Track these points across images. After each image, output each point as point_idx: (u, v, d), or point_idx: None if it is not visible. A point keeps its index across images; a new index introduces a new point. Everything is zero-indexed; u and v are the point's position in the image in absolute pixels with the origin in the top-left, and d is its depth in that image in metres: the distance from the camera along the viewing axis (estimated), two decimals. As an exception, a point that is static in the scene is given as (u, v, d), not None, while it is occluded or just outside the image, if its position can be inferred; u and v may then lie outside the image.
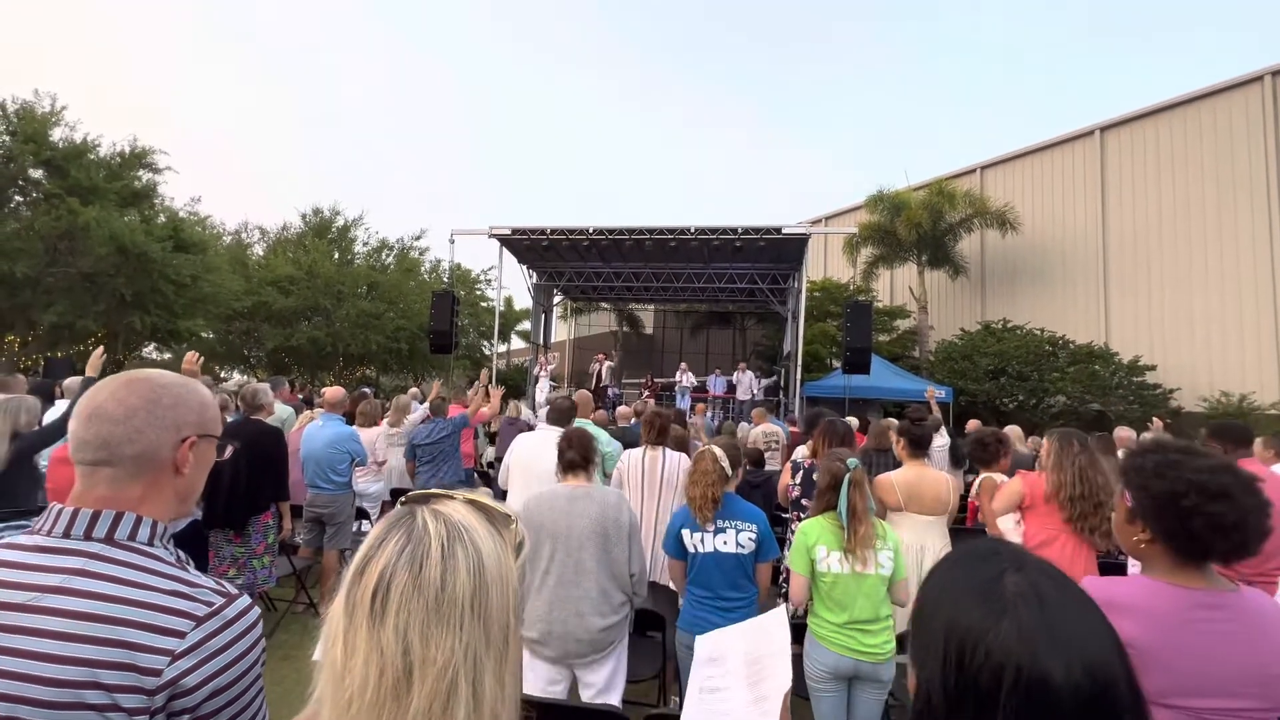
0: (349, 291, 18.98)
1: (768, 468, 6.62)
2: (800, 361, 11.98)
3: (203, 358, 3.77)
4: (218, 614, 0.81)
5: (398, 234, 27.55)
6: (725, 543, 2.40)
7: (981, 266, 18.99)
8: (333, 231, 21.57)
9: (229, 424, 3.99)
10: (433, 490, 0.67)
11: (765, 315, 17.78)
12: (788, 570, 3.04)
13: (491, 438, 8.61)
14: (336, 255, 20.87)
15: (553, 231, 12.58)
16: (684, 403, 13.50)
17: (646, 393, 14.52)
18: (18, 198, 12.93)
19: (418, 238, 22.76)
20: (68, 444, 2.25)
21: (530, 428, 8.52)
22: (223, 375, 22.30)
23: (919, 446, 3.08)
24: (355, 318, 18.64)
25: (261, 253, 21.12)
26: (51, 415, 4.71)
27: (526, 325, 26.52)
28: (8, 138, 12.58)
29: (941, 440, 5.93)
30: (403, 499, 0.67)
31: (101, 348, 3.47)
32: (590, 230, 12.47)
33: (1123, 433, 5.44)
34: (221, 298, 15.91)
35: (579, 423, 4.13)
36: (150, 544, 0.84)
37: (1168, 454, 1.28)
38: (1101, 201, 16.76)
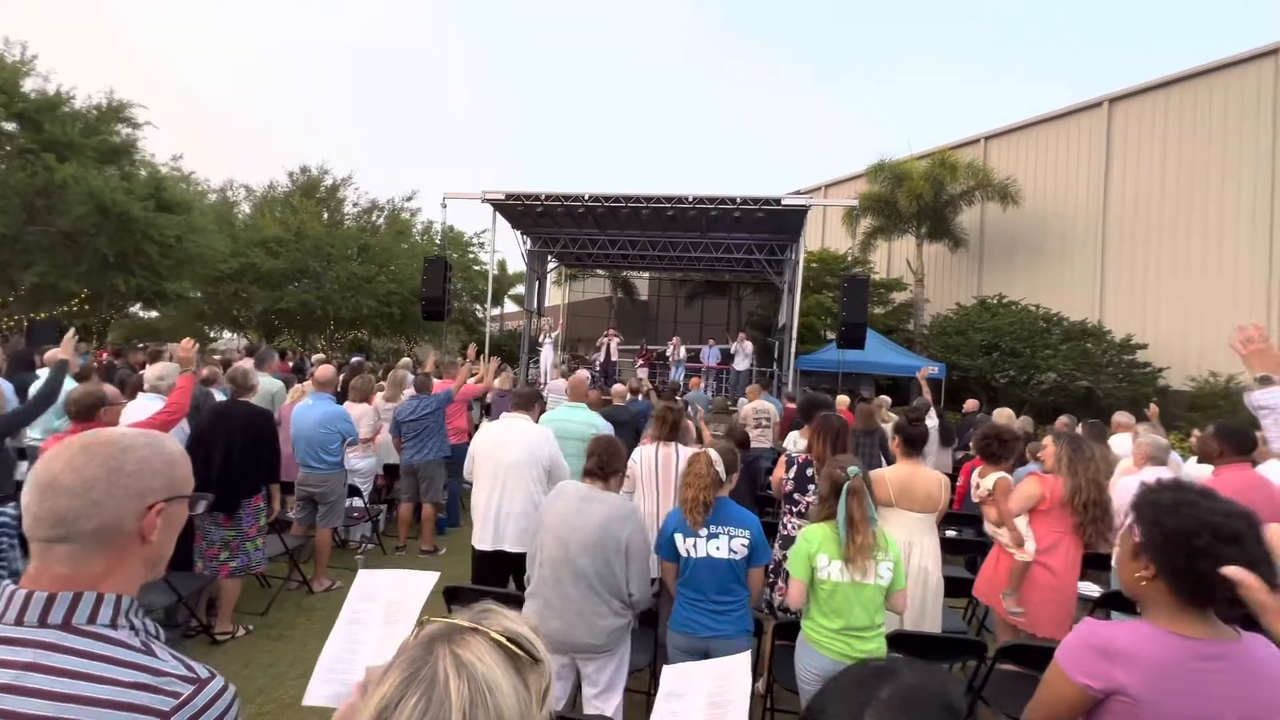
0: (339, 254, 18.62)
1: (755, 445, 6.67)
2: (795, 334, 11.94)
3: (197, 344, 3.66)
4: (186, 705, 0.75)
5: (388, 194, 26.94)
6: (718, 548, 2.39)
7: (980, 240, 18.81)
8: (321, 191, 21.04)
9: (218, 405, 3.92)
10: (458, 622, 0.60)
11: (761, 285, 17.65)
12: (778, 565, 3.07)
13: (486, 409, 8.58)
14: (326, 216, 20.41)
15: (547, 197, 12.28)
16: (678, 374, 13.49)
17: (641, 361, 14.49)
18: (-10, 152, 12.43)
19: (409, 199, 22.30)
20: (60, 434, 2.17)
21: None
22: (212, 335, 22.07)
23: (914, 445, 3.06)
24: (346, 280, 18.35)
25: (249, 211, 20.60)
26: (35, 387, 4.62)
27: (520, 289, 26.32)
28: (-23, 89, 12.01)
29: (931, 421, 5.96)
30: (422, 620, 0.63)
31: (73, 330, 3.35)
32: (586, 197, 12.19)
33: (1121, 418, 5.44)
34: (208, 259, 15.59)
35: (570, 408, 4.10)
36: (113, 626, 0.78)
37: (1186, 493, 1.25)
38: (1105, 176, 16.52)
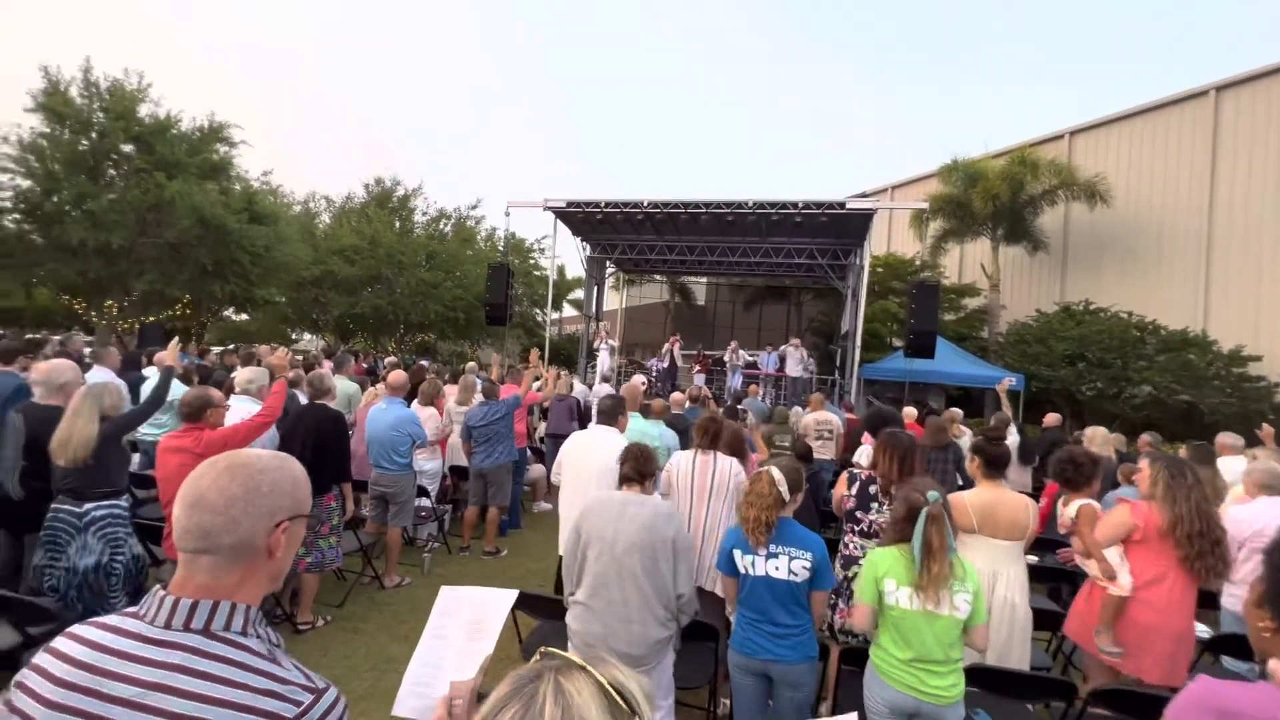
0: (409, 261, 19.53)
1: (816, 458, 6.46)
2: (859, 341, 11.53)
3: (289, 352, 3.91)
4: (307, 713, 0.83)
5: (455, 203, 28.09)
6: (777, 568, 2.31)
7: (1064, 242, 17.59)
8: (393, 201, 22.13)
9: (297, 409, 4.16)
10: (572, 658, 0.64)
11: (823, 291, 17.19)
12: (839, 585, 2.95)
13: (544, 413, 8.75)
14: (397, 225, 21.44)
15: (607, 205, 12.43)
16: (735, 380, 13.31)
17: (697, 367, 14.38)
18: (111, 172, 13.79)
19: (474, 207, 23.18)
20: (172, 433, 2.36)
21: (581, 404, 8.67)
22: (294, 337, 23.62)
23: (996, 467, 2.87)
24: (415, 287, 19.23)
25: (328, 222, 21.94)
26: (145, 387, 5.07)
27: (578, 294, 26.76)
28: (102, 115, 13.37)
29: (1011, 438, 5.58)
30: (542, 651, 0.67)
31: (177, 338, 3.65)
32: (645, 203, 12.26)
33: (1226, 439, 4.93)
34: (292, 266, 16.73)
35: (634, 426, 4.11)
36: (244, 633, 0.86)
37: None
38: (1211, 172, 15.09)
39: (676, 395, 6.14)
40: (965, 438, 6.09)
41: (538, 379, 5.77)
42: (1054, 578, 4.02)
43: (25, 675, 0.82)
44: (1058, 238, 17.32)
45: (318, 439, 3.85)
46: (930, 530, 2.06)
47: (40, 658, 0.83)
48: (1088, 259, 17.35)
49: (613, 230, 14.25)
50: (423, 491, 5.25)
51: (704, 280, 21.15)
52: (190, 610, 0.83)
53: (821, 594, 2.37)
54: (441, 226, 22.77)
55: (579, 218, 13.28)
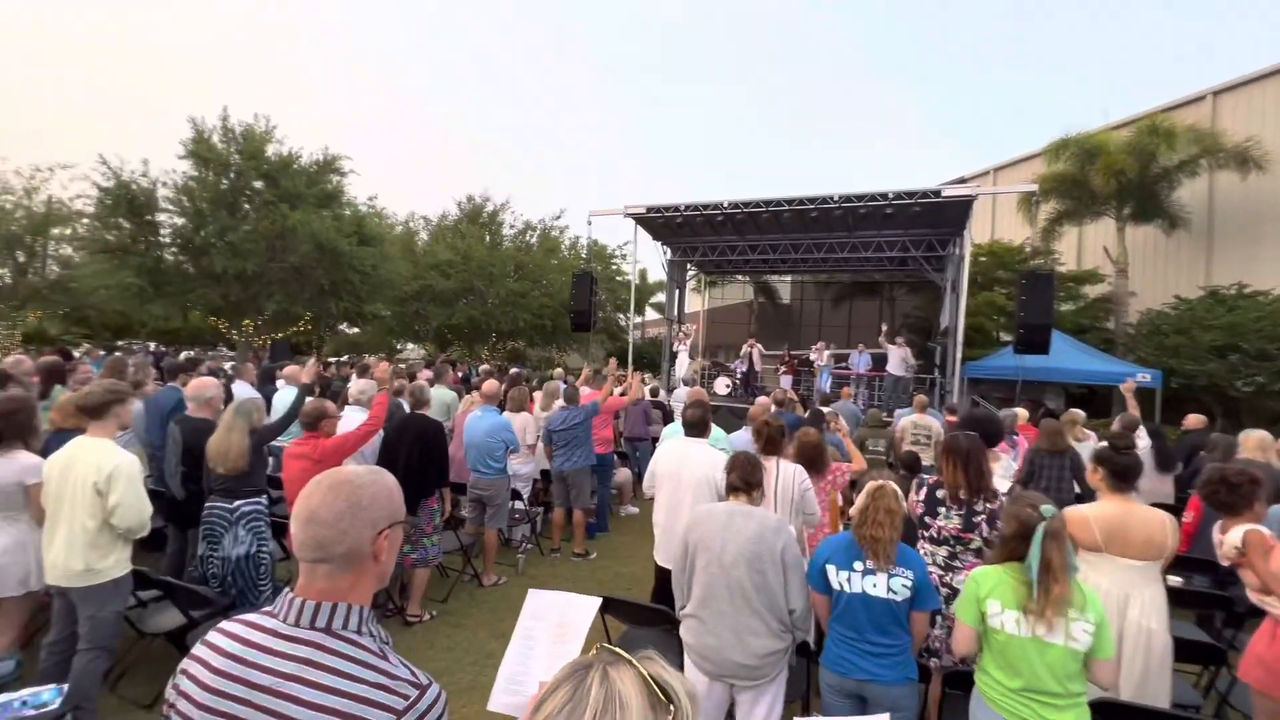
0: (499, 273, 20.52)
1: (925, 465, 6.07)
2: (960, 338, 10.74)
3: (390, 364, 4.25)
4: (414, 706, 0.92)
5: (540, 214, 29.20)
6: (875, 585, 2.20)
7: (1209, 218, 15.44)
8: (483, 216, 23.35)
9: (402, 417, 4.49)
10: (620, 653, 0.70)
11: (918, 284, 16.17)
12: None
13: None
14: (488, 239, 22.60)
15: (686, 208, 12.42)
16: (824, 382, 12.83)
17: (783, 369, 14.01)
18: (246, 206, 15.58)
19: (557, 217, 23.90)
20: (295, 441, 2.66)
21: (661, 407, 8.71)
22: (398, 347, 25.52)
23: (1124, 478, 2.57)
24: (505, 297, 20.18)
25: (426, 239, 23.52)
26: (277, 398, 5.67)
27: (660, 297, 26.85)
28: (237, 156, 15.16)
29: (1142, 441, 4.97)
30: (598, 647, 0.74)
31: (314, 357, 4.06)
32: (725, 205, 12.12)
33: None
34: (395, 283, 18.13)
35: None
36: (359, 632, 0.97)
37: None
38: (1403, 123, 12.70)
39: (762, 399, 6.01)
40: (1089, 442, 5.49)
41: (619, 386, 5.88)
42: (1204, 603, 3.54)
43: (188, 663, 0.97)
44: (1201, 213, 15.22)
45: (421, 446, 4.13)
46: (1049, 548, 1.88)
47: (199, 648, 0.98)
48: (1239, 235, 15.11)
49: (692, 233, 14.20)
50: (516, 494, 5.49)
51: (788, 279, 20.57)
52: (314, 611, 0.95)
53: (923, 614, 2.23)
54: (528, 238, 23.72)
55: (659, 222, 13.35)
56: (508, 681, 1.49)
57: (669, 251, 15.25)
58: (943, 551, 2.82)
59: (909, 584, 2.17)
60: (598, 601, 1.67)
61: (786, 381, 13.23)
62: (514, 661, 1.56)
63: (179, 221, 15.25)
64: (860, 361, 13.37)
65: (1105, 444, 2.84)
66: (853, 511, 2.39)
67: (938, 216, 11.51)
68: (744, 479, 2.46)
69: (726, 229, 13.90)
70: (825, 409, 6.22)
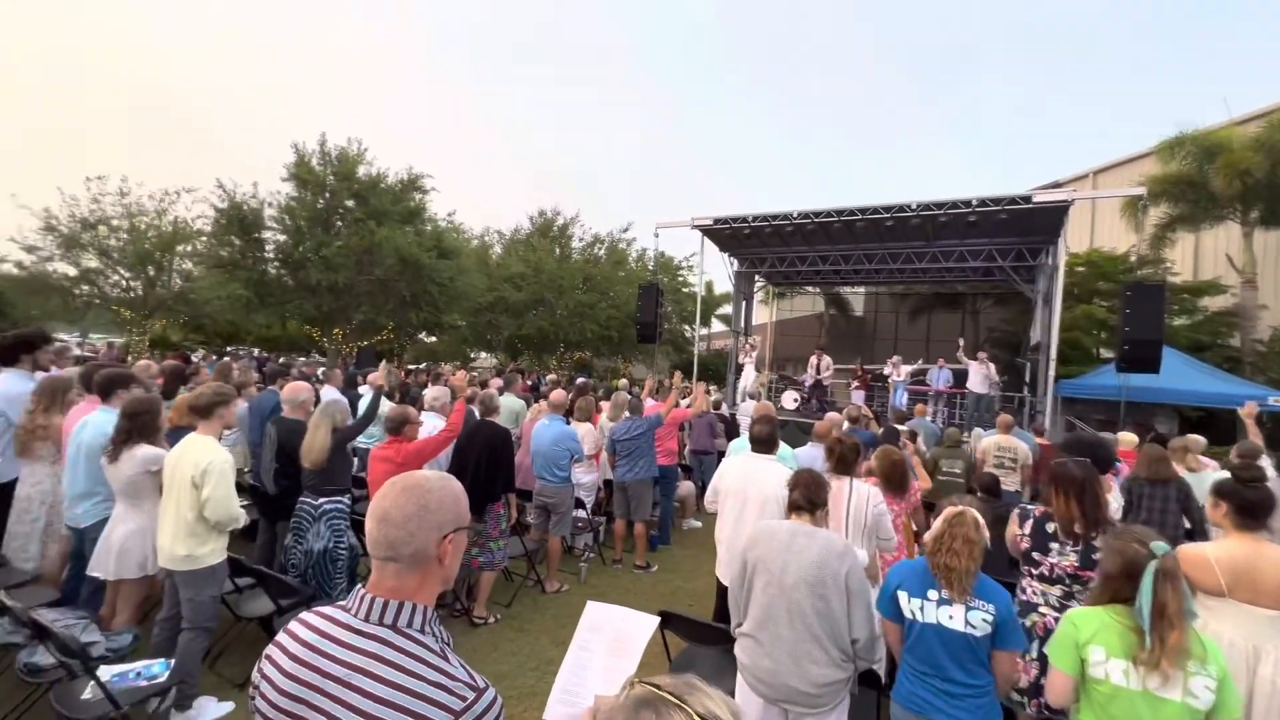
0: (568, 285, 21.06)
1: (1004, 490, 5.65)
2: (1054, 354, 9.94)
3: (466, 372, 4.43)
4: (471, 708, 0.95)
5: (608, 227, 29.81)
6: (951, 617, 2.04)
7: (1355, 220, 13.60)
8: (554, 230, 24.05)
9: (471, 424, 4.65)
10: (665, 694, 0.67)
11: (1006, 296, 15.17)
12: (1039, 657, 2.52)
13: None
14: (557, 252, 23.25)
15: (755, 219, 12.26)
16: (899, 398, 12.24)
17: (856, 383, 13.48)
18: (338, 223, 16.81)
19: (625, 230, 24.26)
20: (380, 444, 2.83)
21: (727, 420, 8.58)
22: (471, 356, 26.62)
23: (1252, 515, 2.26)
24: (573, 308, 20.68)
25: (500, 252, 24.50)
26: (361, 404, 6.02)
27: (727, 309, 26.61)
28: (332, 178, 16.42)
29: (1271, 473, 4.37)
30: (637, 681, 0.71)
31: (384, 361, 4.29)
32: (794, 215, 11.87)
33: None
34: (471, 294, 19.00)
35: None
36: (422, 631, 1.02)
37: None
38: None
39: (833, 415, 5.79)
40: (1206, 472, 4.91)
41: (684, 399, 5.84)
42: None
43: (271, 649, 1.04)
44: (1347, 214, 13.43)
45: (490, 453, 4.26)
46: (1164, 589, 1.68)
47: (281, 636, 1.05)
48: (1398, 239, 13.20)
49: (761, 244, 14.00)
50: (580, 503, 5.55)
51: (861, 290, 19.86)
52: (383, 608, 1.00)
53: (1007, 654, 2.05)
54: (596, 250, 24.22)
55: (726, 234, 13.25)
56: (563, 692, 1.50)
57: (736, 263, 15.10)
58: (1056, 591, 2.57)
59: (989, 618, 2.00)
60: (656, 620, 1.65)
61: (859, 397, 12.73)
62: (570, 672, 1.56)
63: (281, 238, 16.69)
64: (939, 377, 12.64)
65: (1228, 475, 2.52)
66: (927, 537, 2.24)
67: (1028, 224, 10.76)
68: (807, 497, 2.36)
69: (796, 239, 13.61)
70: (901, 427, 5.92)
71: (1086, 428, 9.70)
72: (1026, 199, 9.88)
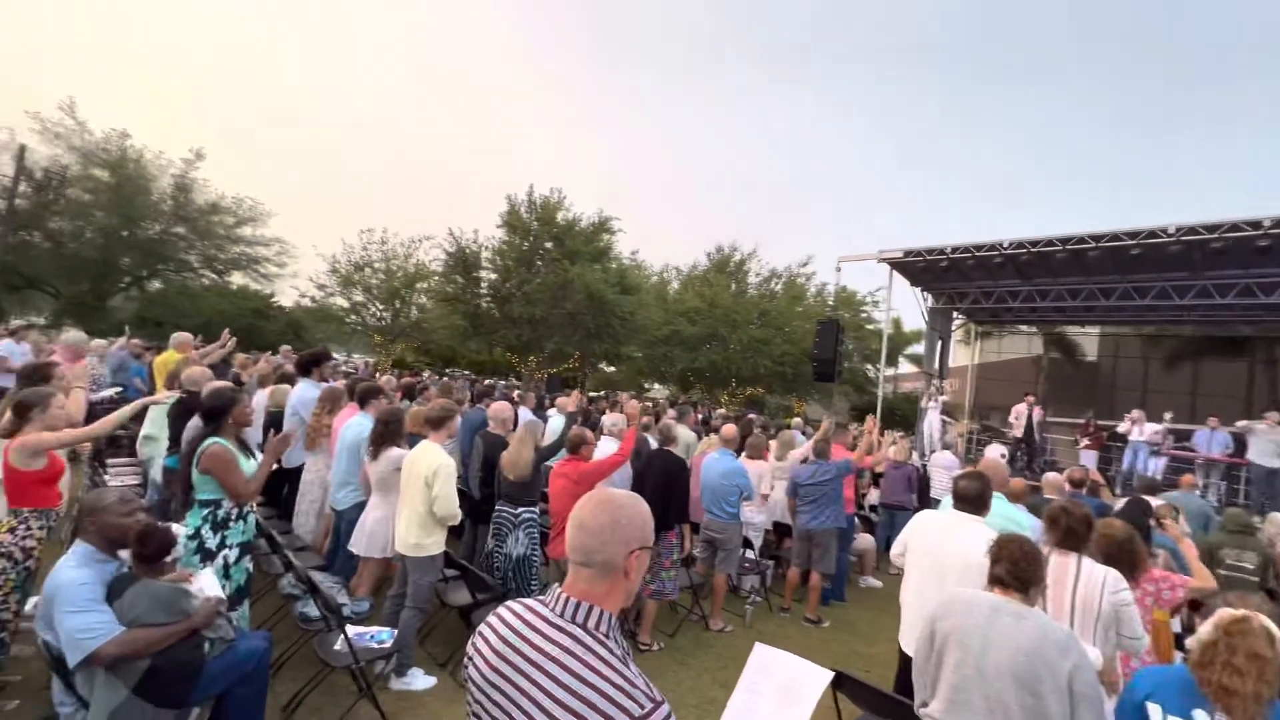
0: (742, 319, 21.05)
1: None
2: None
3: (641, 402, 4.66)
4: (648, 718, 0.99)
5: (785, 261, 29.35)
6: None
7: None
8: (730, 265, 24.33)
9: (649, 452, 4.82)
10: None
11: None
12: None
13: (875, 479, 8.10)
14: (733, 287, 23.43)
15: (954, 250, 11.13)
16: (1141, 461, 9.97)
17: (1085, 440, 11.29)
18: (538, 263, 18.97)
19: (804, 264, 23.61)
20: (559, 461, 3.10)
21: (920, 472, 7.71)
22: (645, 387, 27.76)
23: None
24: (747, 343, 20.58)
25: (677, 288, 25.42)
26: (550, 425, 6.61)
27: (916, 348, 24.31)
28: (536, 223, 18.67)
29: None
30: None
31: (576, 391, 4.70)
32: (1005, 245, 10.53)
33: None
34: (649, 328, 20.02)
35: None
36: (608, 635, 1.09)
37: None
38: None
39: (1052, 476, 4.91)
40: None
41: (870, 446, 5.42)
42: None
43: (483, 628, 1.18)
44: None
45: (665, 481, 4.37)
46: None
47: (491, 618, 1.19)
48: None
49: (961, 277, 12.62)
50: (747, 543, 5.39)
51: (1094, 331, 16.75)
52: (576, 607, 1.09)
53: None
54: (773, 285, 23.91)
55: (918, 267, 12.20)
56: None
57: (931, 298, 13.78)
58: None
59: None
60: (829, 676, 1.53)
61: (1089, 458, 10.62)
62: (736, 714, 1.51)
63: (493, 276, 19.32)
64: (1212, 442, 10.00)
65: None
66: (1190, 643, 1.76)
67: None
68: (1015, 574, 1.97)
69: (1006, 272, 12.04)
70: (1153, 499, 4.79)
71: None
72: (1353, 216, 7.58)
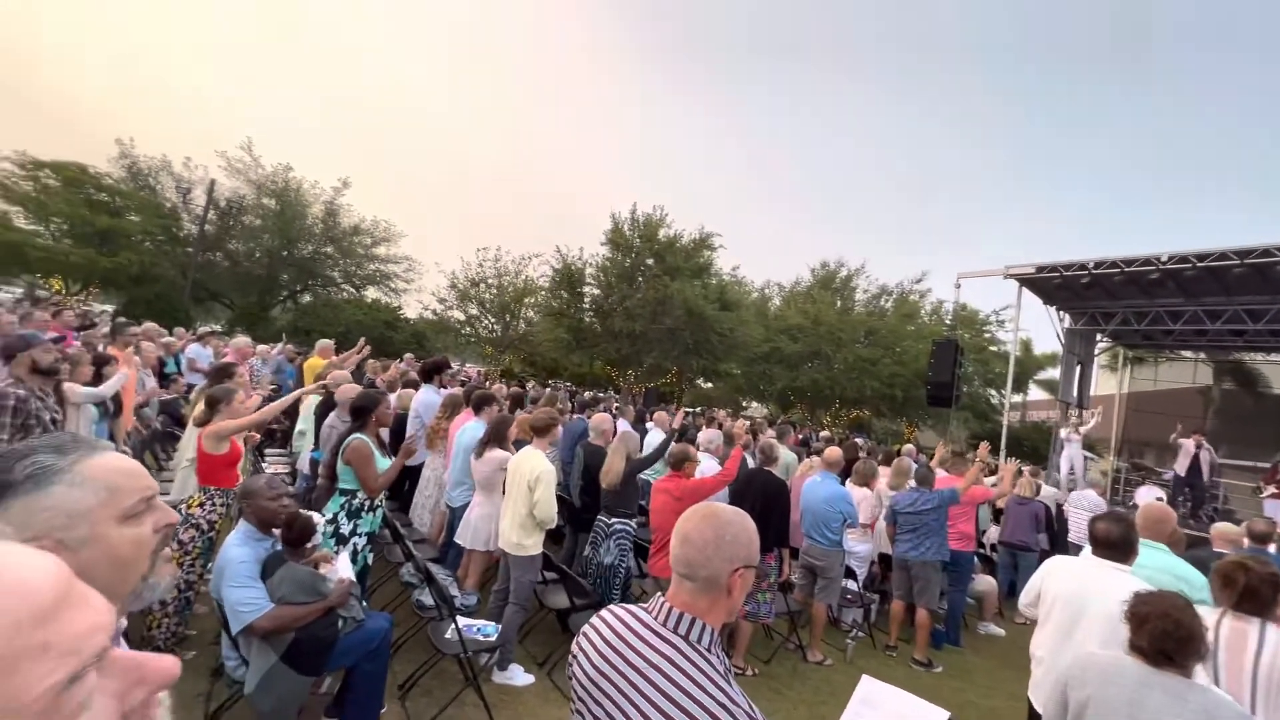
0: (848, 338, 20.12)
1: None
2: None
3: (745, 422, 4.61)
4: None
5: (898, 277, 27.71)
6: None
7: None
8: (836, 282, 23.39)
9: (747, 472, 4.73)
10: None
11: None
12: None
13: (996, 515, 7.38)
14: (839, 304, 22.48)
15: (1097, 265, 9.97)
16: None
17: (1271, 488, 9.56)
18: (639, 278, 19.33)
19: (918, 280, 22.20)
20: (662, 477, 3.14)
21: (1050, 510, 6.91)
22: (744, 404, 27.25)
23: None
24: (852, 363, 19.62)
25: (779, 304, 24.83)
26: (647, 439, 6.68)
27: (1049, 373, 21.96)
28: (638, 240, 19.06)
29: None
30: None
31: (678, 407, 4.73)
32: (1163, 259, 9.28)
33: None
34: (748, 345, 19.65)
35: (1144, 548, 2.99)
36: (709, 649, 1.09)
37: None
38: None
39: (1225, 527, 4.20)
40: None
41: (990, 473, 4.95)
42: None
43: (588, 629, 1.22)
44: None
45: (764, 501, 4.27)
46: None
47: (595, 620, 1.23)
48: None
49: (1107, 295, 11.25)
50: (850, 573, 5.12)
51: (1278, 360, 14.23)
52: (679, 618, 1.10)
53: None
54: (882, 303, 22.68)
55: (1054, 284, 11.02)
56: None
57: (1068, 319, 12.41)
58: None
59: None
60: (945, 715, 1.41)
61: (1273, 509, 8.98)
62: None
63: (596, 292, 19.94)
64: None
65: None
66: None
67: None
68: (1160, 646, 1.69)
69: (1164, 289, 10.58)
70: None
71: None
72: None
